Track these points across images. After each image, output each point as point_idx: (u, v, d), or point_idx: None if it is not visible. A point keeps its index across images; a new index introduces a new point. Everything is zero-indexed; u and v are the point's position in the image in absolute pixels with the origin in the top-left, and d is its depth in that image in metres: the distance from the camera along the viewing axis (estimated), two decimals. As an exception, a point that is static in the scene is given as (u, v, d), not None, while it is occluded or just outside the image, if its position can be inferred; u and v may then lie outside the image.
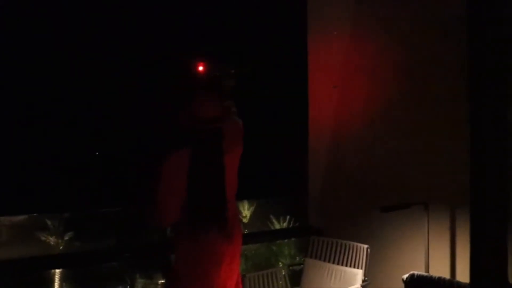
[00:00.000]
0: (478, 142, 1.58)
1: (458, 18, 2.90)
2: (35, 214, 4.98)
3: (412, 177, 3.32)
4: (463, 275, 2.94)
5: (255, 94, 4.19)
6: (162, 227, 2.53)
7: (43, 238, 5.57)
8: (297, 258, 5.85)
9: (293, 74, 4.45)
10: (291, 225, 6.35)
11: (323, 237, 3.73)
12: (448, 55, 3.06)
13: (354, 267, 3.39)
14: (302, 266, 3.81)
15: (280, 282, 3.68)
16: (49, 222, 5.61)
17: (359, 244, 3.42)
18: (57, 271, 5.04)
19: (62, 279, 5.25)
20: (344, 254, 3.50)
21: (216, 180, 2.30)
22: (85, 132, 3.71)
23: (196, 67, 2.33)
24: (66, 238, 5.71)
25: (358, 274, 3.31)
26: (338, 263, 3.50)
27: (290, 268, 4.01)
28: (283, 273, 3.73)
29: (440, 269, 3.03)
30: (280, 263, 5.83)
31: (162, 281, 4.76)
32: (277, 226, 6.71)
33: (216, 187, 2.31)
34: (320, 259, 3.62)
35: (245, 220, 7.04)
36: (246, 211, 6.76)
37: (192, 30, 3.81)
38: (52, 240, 5.62)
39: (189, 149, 2.22)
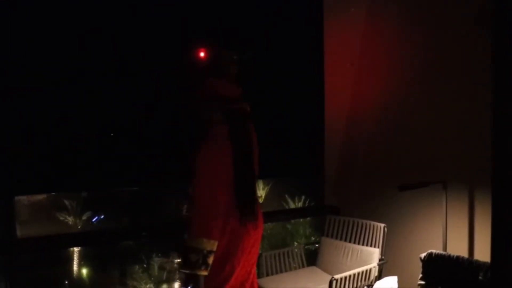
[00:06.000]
0: (502, 119, 1.53)
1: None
2: (53, 194, 5.05)
3: (430, 155, 3.27)
4: (481, 254, 2.91)
5: (271, 75, 4.16)
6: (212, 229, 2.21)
7: (62, 218, 5.67)
8: (312, 238, 5.88)
9: (309, 54, 4.39)
10: (306, 205, 6.37)
11: (340, 216, 3.73)
12: (471, 33, 2.97)
13: (371, 246, 3.38)
14: (317, 245, 3.82)
15: (296, 260, 3.70)
16: (67, 202, 5.70)
17: (376, 223, 3.41)
18: (76, 249, 5.14)
19: (80, 257, 5.35)
20: (361, 233, 3.49)
21: (248, 164, 2.21)
22: (102, 112, 3.73)
23: (198, 53, 2.28)
24: (84, 217, 5.80)
25: (375, 253, 3.30)
26: (354, 242, 3.50)
27: (306, 247, 4.02)
28: (299, 251, 3.75)
29: (458, 248, 3.00)
30: (295, 242, 5.86)
31: (178, 260, 4.82)
32: (292, 206, 6.74)
33: (248, 171, 2.21)
34: (336, 238, 3.62)
35: (260, 200, 7.02)
36: (261, 190, 6.78)
37: (198, 13, 3.77)
38: (70, 219, 5.72)
39: (227, 132, 2.09)
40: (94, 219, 5.72)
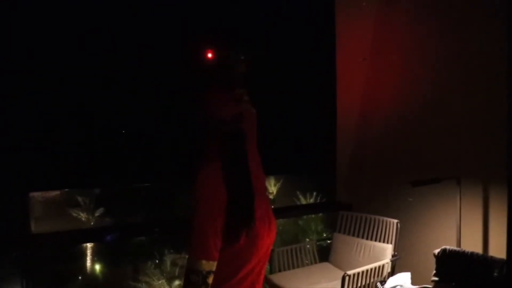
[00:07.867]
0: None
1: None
2: (66, 190, 5.10)
3: (444, 151, 3.24)
4: (496, 250, 2.88)
5: (283, 72, 4.15)
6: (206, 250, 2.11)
7: (75, 214, 5.72)
8: (324, 234, 5.87)
9: (321, 50, 4.38)
10: (318, 201, 6.37)
11: (352, 212, 3.71)
12: (488, 27, 2.93)
13: (383, 242, 3.36)
14: (329, 241, 3.80)
15: (309, 256, 3.70)
16: (80, 199, 5.74)
17: (389, 219, 3.38)
18: (89, 245, 5.19)
19: (93, 253, 5.40)
20: (374, 229, 3.47)
21: (243, 184, 2.20)
22: (115, 111, 3.76)
23: (205, 54, 2.23)
24: (97, 214, 5.84)
25: (388, 249, 3.28)
26: (367, 238, 3.47)
27: (318, 243, 4.02)
28: (312, 247, 3.74)
29: (472, 244, 2.97)
30: (308, 238, 5.85)
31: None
32: (304, 202, 6.73)
33: (244, 191, 2.20)
34: (349, 234, 3.61)
35: (271, 196, 7.04)
36: (272, 187, 6.78)
37: (205, 14, 3.77)
38: (83, 216, 5.76)
39: (217, 153, 2.11)
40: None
